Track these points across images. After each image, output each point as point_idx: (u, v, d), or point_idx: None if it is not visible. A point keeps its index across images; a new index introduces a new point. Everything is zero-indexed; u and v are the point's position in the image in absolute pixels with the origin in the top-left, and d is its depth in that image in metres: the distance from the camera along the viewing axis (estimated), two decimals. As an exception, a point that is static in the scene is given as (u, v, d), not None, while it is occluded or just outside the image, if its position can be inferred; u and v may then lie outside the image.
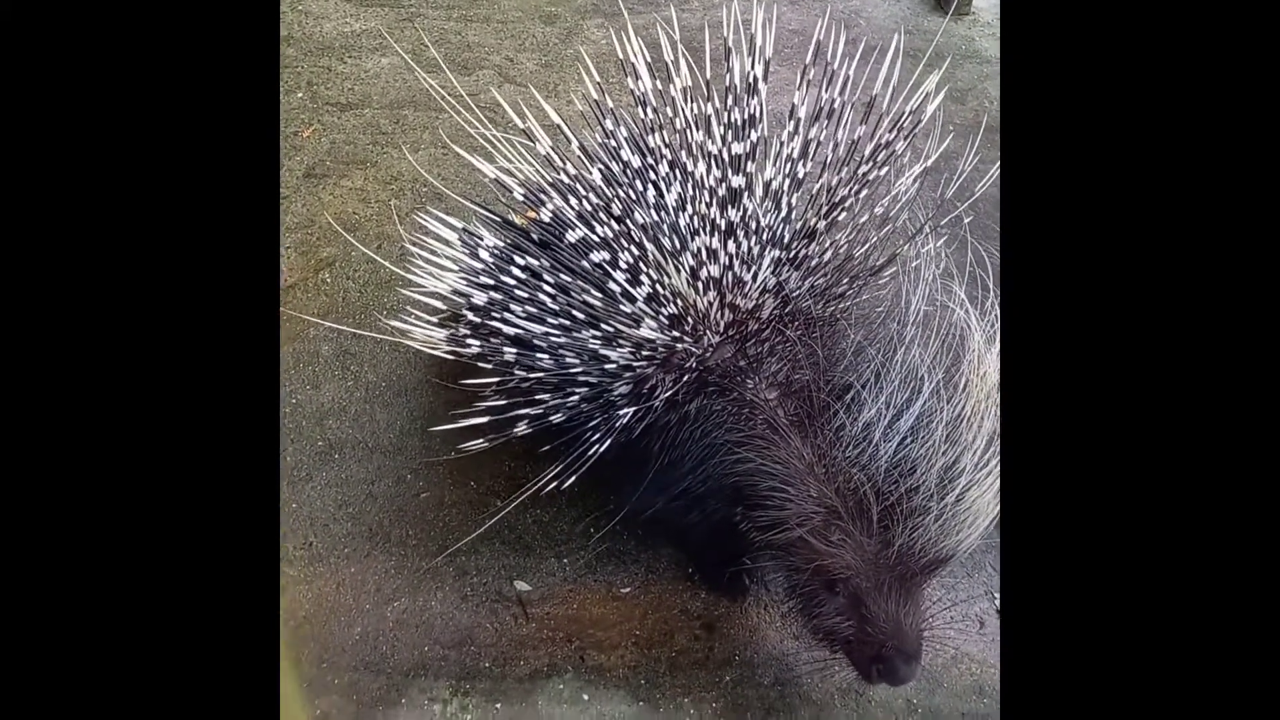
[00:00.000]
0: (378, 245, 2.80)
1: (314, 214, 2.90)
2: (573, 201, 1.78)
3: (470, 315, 1.92)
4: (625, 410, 1.78)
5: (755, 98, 1.77)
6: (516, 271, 1.81)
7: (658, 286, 1.73)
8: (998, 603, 2.10)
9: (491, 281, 1.85)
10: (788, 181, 1.78)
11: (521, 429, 1.87)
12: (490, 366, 1.90)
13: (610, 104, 1.84)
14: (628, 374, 1.78)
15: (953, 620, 2.04)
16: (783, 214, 1.78)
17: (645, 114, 1.81)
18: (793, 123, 1.78)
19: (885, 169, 1.80)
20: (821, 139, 1.79)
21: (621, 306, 1.74)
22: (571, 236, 1.76)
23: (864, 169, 1.79)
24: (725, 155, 1.74)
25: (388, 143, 3.17)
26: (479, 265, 1.89)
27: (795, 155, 1.78)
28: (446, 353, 1.94)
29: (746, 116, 1.76)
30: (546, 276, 1.77)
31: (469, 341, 1.90)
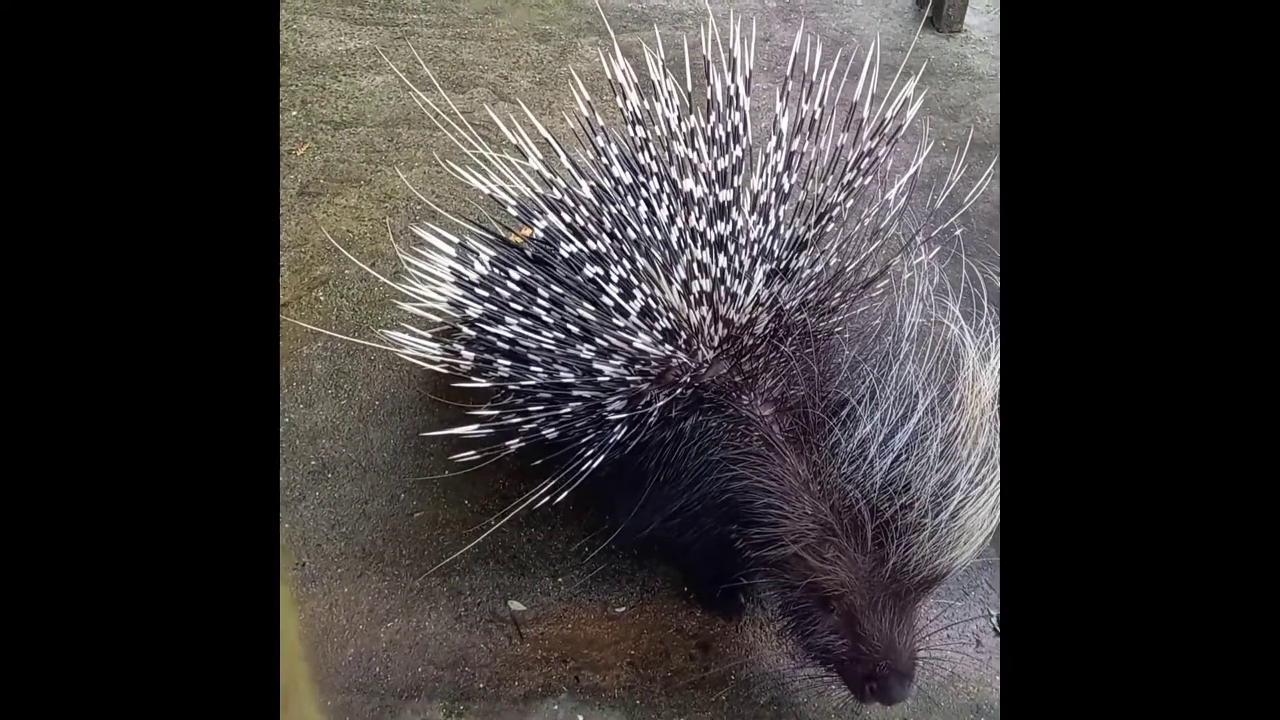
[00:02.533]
0: (372, 263, 2.80)
1: (308, 232, 2.90)
2: (565, 216, 1.78)
3: (465, 329, 1.92)
4: (619, 419, 1.78)
5: (738, 111, 1.77)
6: (512, 285, 1.81)
7: (650, 300, 1.73)
8: (994, 620, 2.09)
9: (486, 293, 1.86)
10: (774, 195, 1.78)
11: (514, 444, 1.87)
12: (484, 381, 1.90)
13: (601, 122, 1.84)
14: (621, 389, 1.77)
15: (948, 639, 2.04)
16: (771, 226, 1.78)
17: (635, 132, 1.82)
18: (775, 135, 1.79)
19: (870, 177, 1.80)
20: (804, 149, 1.79)
21: (615, 320, 1.74)
22: (565, 250, 1.77)
23: (848, 177, 1.79)
24: (712, 170, 1.74)
25: (382, 160, 3.17)
26: (475, 276, 1.90)
27: (780, 168, 1.78)
28: (441, 365, 1.94)
29: (729, 130, 1.76)
30: (541, 290, 1.77)
31: (463, 354, 1.90)
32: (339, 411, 2.44)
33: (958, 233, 1.85)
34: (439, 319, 2.00)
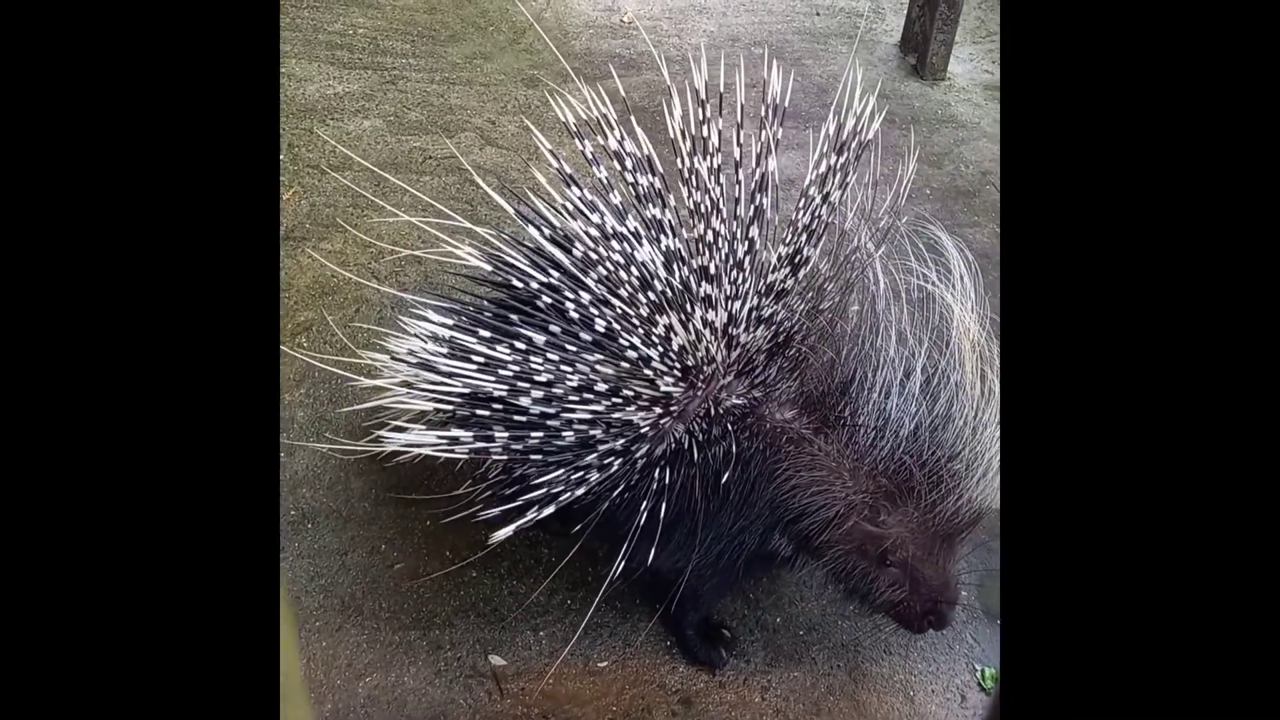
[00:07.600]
0: (356, 309, 2.80)
1: (292, 277, 2.90)
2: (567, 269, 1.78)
3: (479, 410, 1.83)
4: (656, 463, 1.80)
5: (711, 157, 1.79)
6: (516, 350, 1.76)
7: (670, 343, 1.75)
8: (979, 675, 2.07)
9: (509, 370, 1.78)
10: (750, 212, 1.79)
11: (549, 511, 1.81)
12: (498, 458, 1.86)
13: (587, 192, 1.83)
14: (651, 431, 1.78)
15: (934, 693, 2.02)
16: (756, 246, 1.79)
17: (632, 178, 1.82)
18: (744, 159, 1.81)
19: (843, 191, 1.82)
20: (772, 170, 1.81)
21: (643, 370, 1.75)
22: (571, 304, 1.76)
23: (824, 191, 1.81)
24: (705, 204, 1.76)
25: (368, 206, 3.18)
26: (482, 354, 1.80)
27: (754, 188, 1.80)
28: (443, 452, 1.84)
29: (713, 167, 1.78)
30: (550, 352, 1.75)
31: (461, 437, 1.83)
32: (320, 460, 2.42)
33: (902, 221, 1.86)
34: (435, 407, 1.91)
